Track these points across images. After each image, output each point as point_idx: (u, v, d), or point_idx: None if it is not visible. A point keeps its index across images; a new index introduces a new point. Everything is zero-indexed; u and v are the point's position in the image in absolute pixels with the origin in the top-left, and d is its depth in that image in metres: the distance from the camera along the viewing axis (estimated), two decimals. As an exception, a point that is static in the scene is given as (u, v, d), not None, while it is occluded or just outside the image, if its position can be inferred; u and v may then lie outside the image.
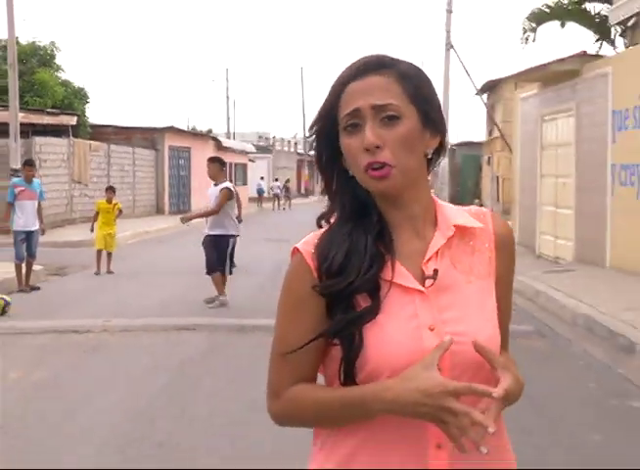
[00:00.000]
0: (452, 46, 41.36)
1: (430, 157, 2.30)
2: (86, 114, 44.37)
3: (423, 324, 2.15)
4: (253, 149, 71.23)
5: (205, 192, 42.68)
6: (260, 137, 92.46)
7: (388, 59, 2.25)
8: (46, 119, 37.63)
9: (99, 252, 20.41)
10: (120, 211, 21.55)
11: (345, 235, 2.21)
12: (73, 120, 38.94)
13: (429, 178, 2.39)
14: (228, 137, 73.17)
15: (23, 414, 8.75)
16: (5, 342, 12.40)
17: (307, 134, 2.33)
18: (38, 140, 34.30)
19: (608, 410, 8.49)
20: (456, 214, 2.31)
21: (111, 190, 22.14)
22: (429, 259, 2.22)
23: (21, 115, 31.21)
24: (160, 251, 27.71)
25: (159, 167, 48.27)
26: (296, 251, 2.28)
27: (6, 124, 30.56)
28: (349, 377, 2.16)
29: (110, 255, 20.56)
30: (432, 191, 2.37)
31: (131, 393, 9.61)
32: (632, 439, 7.78)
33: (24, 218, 17.86)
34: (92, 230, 20.78)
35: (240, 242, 17.50)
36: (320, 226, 2.35)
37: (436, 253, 2.23)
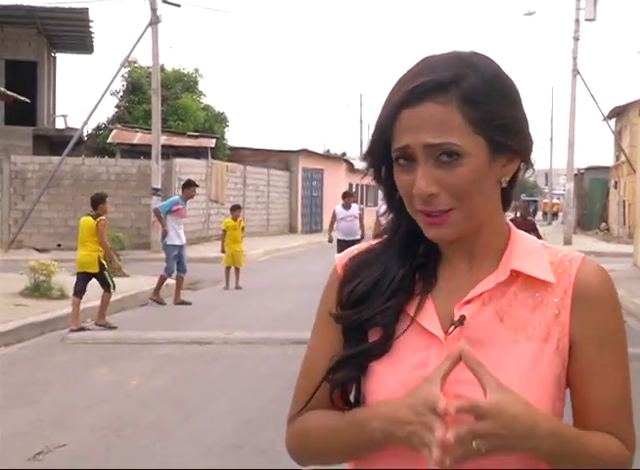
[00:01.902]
0: (579, 72, 40.90)
1: (506, 184, 1.79)
2: (225, 136, 44.96)
3: None
4: (384, 171, 71.29)
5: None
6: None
7: (451, 76, 1.67)
8: (187, 142, 38.46)
9: (227, 268, 20.63)
10: (243, 228, 21.70)
11: (382, 261, 1.84)
12: (212, 143, 39.55)
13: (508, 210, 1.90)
14: (360, 158, 73.27)
15: (139, 419, 8.91)
16: (132, 351, 12.70)
17: (364, 158, 1.91)
18: (178, 161, 34.84)
19: None
20: (527, 257, 1.77)
21: (236, 208, 22.23)
22: (467, 303, 1.74)
23: (163, 137, 31.95)
24: (290, 267, 27.84)
25: (292, 188, 48.50)
26: (335, 262, 1.96)
27: (149, 146, 31.24)
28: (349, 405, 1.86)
29: (237, 270, 20.69)
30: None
31: (243, 402, 9.70)
32: None
33: (179, 234, 18.29)
34: (223, 250, 20.93)
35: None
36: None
37: (480, 297, 1.74)
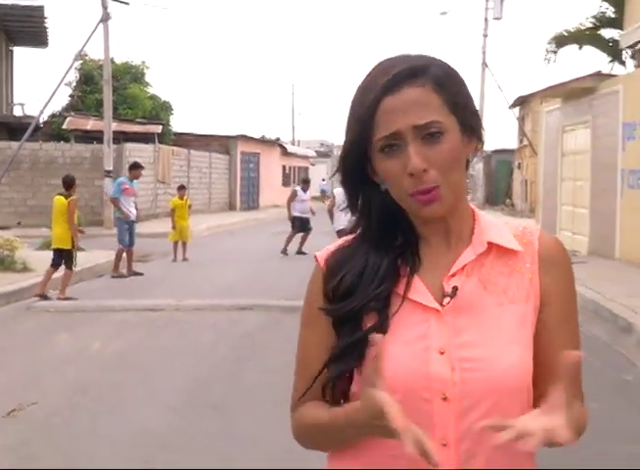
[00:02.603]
0: (487, 65, 41.33)
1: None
2: (170, 123, 44.58)
3: (433, 346, 1.68)
4: (314, 154, 71.38)
5: (271, 191, 42.03)
6: (322, 144, 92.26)
7: (420, 64, 1.71)
8: (135, 128, 38.14)
9: (175, 242, 20.69)
10: (190, 206, 21.63)
11: (361, 255, 1.78)
12: (159, 129, 39.24)
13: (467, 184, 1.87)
14: (293, 144, 73.24)
15: (101, 380, 8.90)
16: (91, 318, 12.71)
17: (341, 153, 1.82)
18: (128, 146, 34.56)
19: (606, 382, 8.46)
20: (495, 231, 1.80)
21: (182, 188, 22.37)
22: (452, 276, 1.74)
23: (114, 124, 31.73)
24: (231, 242, 27.82)
25: (232, 170, 48.36)
26: (315, 259, 1.87)
27: (101, 132, 31.06)
28: (344, 395, 1.80)
29: (185, 244, 20.70)
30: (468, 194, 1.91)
31: (194, 362, 9.72)
32: (624, 406, 7.90)
33: (130, 210, 18.31)
34: (174, 227, 20.84)
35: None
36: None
37: (463, 269, 1.75)
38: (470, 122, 1.74)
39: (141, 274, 17.78)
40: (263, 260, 20.76)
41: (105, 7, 30.50)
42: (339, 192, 18.06)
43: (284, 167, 58.99)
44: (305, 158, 66.66)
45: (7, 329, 11.81)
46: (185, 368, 9.39)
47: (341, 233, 18.45)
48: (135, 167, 19.48)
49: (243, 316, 12.67)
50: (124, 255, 17.91)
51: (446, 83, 1.71)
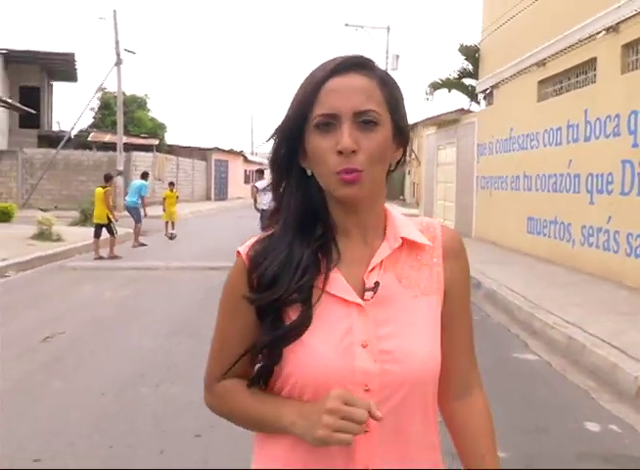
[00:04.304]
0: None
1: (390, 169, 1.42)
2: (165, 138, 44.19)
3: (356, 340, 1.31)
4: (266, 161, 70.40)
5: (236, 187, 41.22)
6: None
7: (370, 61, 1.36)
8: (139, 141, 37.73)
9: (166, 222, 20.49)
10: (177, 197, 21.38)
11: (285, 244, 1.36)
12: (156, 142, 39.05)
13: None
14: (252, 154, 72.76)
15: (113, 315, 8.90)
16: (109, 274, 12.59)
17: (274, 132, 1.39)
18: (134, 154, 34.36)
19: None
20: (405, 227, 1.42)
21: (171, 184, 22.10)
22: (371, 271, 1.36)
23: (124, 138, 31.27)
24: (207, 222, 27.69)
25: (208, 172, 47.97)
26: (237, 254, 1.41)
27: (115, 143, 30.73)
28: (267, 385, 1.40)
29: (173, 223, 20.54)
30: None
31: (179, 304, 9.71)
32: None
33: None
34: (164, 210, 20.73)
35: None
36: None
37: (380, 264, 1.37)
38: (402, 130, 1.37)
39: (146, 245, 17.60)
40: (229, 234, 20.70)
41: (118, 54, 30.05)
42: (262, 184, 17.14)
43: (245, 171, 58.68)
44: (260, 164, 66.22)
45: (45, 281, 11.68)
46: (171, 308, 9.38)
47: (264, 212, 16.15)
48: (147, 174, 20.20)
49: (213, 274, 12.54)
50: (133, 230, 17.86)
51: (389, 84, 1.36)
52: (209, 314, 6.94)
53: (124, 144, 31.10)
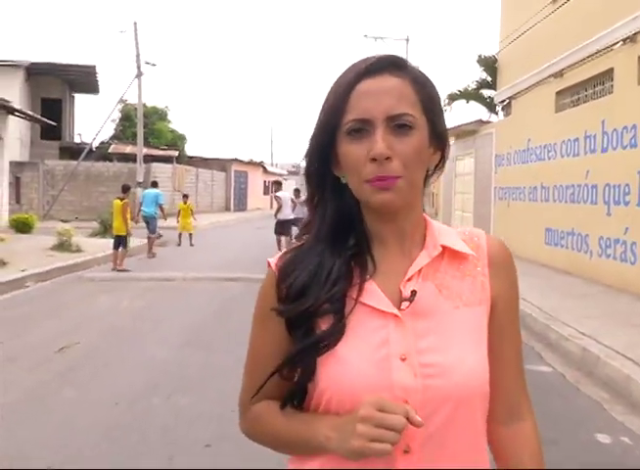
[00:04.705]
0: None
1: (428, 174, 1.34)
2: (185, 149, 44.51)
3: (394, 353, 1.21)
4: (286, 172, 71.29)
5: (255, 198, 41.33)
6: (293, 166, 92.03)
7: (403, 60, 1.27)
8: (159, 152, 38.09)
9: (180, 233, 21.02)
10: (192, 210, 21.65)
11: (315, 254, 1.29)
12: (176, 153, 39.43)
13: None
14: (271, 165, 73.04)
15: (128, 326, 8.96)
16: (125, 285, 12.67)
17: (309, 141, 1.31)
18: (154, 165, 34.62)
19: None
20: (446, 236, 1.33)
21: (185, 196, 22.55)
22: (409, 280, 1.27)
23: (144, 149, 31.58)
24: (226, 232, 27.78)
25: (227, 183, 48.19)
26: (268, 265, 1.35)
27: (135, 155, 31.00)
28: (302, 404, 1.31)
29: (190, 235, 20.79)
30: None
31: (194, 315, 9.75)
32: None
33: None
34: (178, 222, 21.19)
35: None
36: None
37: (419, 273, 1.28)
38: (439, 133, 1.29)
39: (154, 256, 17.61)
40: (247, 246, 20.81)
41: (138, 67, 30.43)
42: (284, 195, 18.15)
43: (264, 182, 58.88)
44: (280, 175, 66.53)
45: (63, 291, 11.79)
46: (186, 319, 9.42)
47: (280, 222, 17.73)
48: (157, 183, 20.17)
49: (229, 285, 12.67)
50: (148, 240, 17.99)
51: (424, 85, 1.27)
52: (223, 326, 7.11)
53: (144, 155, 31.44)
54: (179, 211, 21.44)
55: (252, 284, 12.79)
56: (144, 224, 18.33)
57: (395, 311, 1.23)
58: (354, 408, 1.16)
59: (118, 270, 14.48)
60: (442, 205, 26.97)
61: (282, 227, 17.67)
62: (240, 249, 19.58)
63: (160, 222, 18.55)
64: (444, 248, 1.30)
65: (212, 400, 5.82)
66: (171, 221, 22.02)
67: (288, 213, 17.84)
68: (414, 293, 1.25)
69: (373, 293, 1.26)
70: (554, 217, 14.61)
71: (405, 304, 1.24)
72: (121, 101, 36.65)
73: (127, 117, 41.06)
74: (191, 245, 20.65)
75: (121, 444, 4.78)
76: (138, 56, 30.36)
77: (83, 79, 38.20)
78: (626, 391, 6.06)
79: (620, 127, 11.65)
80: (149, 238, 17.86)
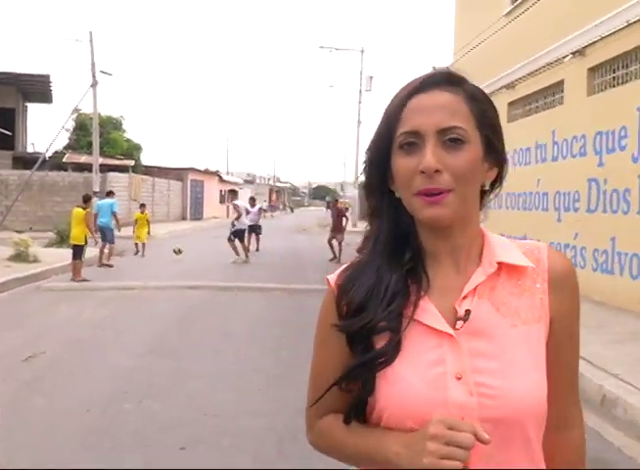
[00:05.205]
0: (361, 122, 41.75)
1: (485, 189, 1.33)
2: (140, 158, 44.16)
3: (449, 372, 1.21)
4: (242, 181, 71.14)
5: (211, 207, 40.90)
6: (248, 174, 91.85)
7: (457, 76, 1.29)
8: (115, 162, 37.73)
9: (136, 243, 20.92)
10: (147, 219, 21.55)
11: (373, 270, 1.30)
12: (132, 163, 38.98)
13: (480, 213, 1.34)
14: (227, 174, 72.83)
15: (92, 335, 8.93)
16: (85, 294, 12.60)
17: (365, 156, 1.34)
18: (110, 174, 34.19)
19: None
20: (504, 250, 1.32)
21: (142, 206, 22.51)
22: (464, 298, 1.27)
23: (100, 159, 31.22)
24: (183, 242, 27.43)
25: (184, 192, 47.89)
26: (327, 282, 1.37)
27: (91, 164, 30.72)
28: (362, 419, 1.32)
29: (144, 244, 20.80)
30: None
31: (156, 323, 9.78)
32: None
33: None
34: (134, 232, 21.16)
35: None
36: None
37: (474, 291, 1.27)
38: (495, 148, 1.28)
39: (111, 266, 17.38)
40: (205, 255, 20.82)
41: (94, 76, 30.10)
42: (242, 204, 20.34)
43: (220, 191, 58.72)
44: (235, 184, 66.36)
45: (23, 302, 11.68)
46: (149, 327, 9.45)
47: (249, 227, 20.48)
48: (112, 193, 19.98)
49: (191, 293, 12.71)
50: (106, 249, 17.83)
51: (479, 99, 1.27)
52: (187, 333, 7.27)
53: (100, 165, 31.11)
54: (136, 221, 21.31)
55: (213, 292, 12.92)
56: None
57: (450, 331, 1.23)
58: (415, 425, 1.19)
59: (78, 280, 14.36)
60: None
61: (238, 234, 19.31)
62: (197, 258, 19.53)
63: (115, 232, 18.38)
64: (501, 264, 1.29)
65: (183, 405, 5.91)
66: (127, 231, 21.93)
67: (245, 222, 19.80)
68: (468, 312, 1.24)
69: (428, 311, 1.26)
70: (507, 224, 14.96)
71: (460, 323, 1.24)
72: (76, 110, 36.24)
73: (81, 127, 40.58)
74: (142, 256, 20.49)
75: (98, 449, 4.85)
76: (93, 65, 30.05)
77: (37, 89, 37.73)
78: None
79: (570, 137, 12.06)
80: (102, 248, 17.65)
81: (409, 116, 1.23)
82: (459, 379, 1.20)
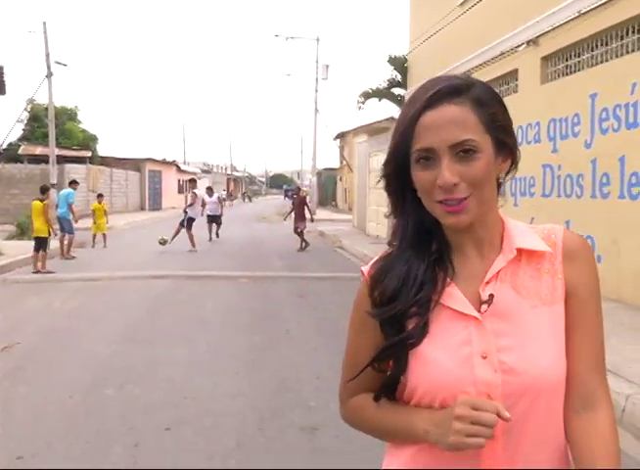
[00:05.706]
0: (318, 111, 41.81)
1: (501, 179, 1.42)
2: (97, 149, 43.72)
3: (475, 352, 1.32)
4: (199, 171, 70.74)
5: (170, 197, 40.74)
6: (205, 164, 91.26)
7: (462, 83, 1.34)
8: (72, 153, 37.23)
9: (94, 234, 20.64)
10: (105, 209, 21.15)
11: (403, 261, 1.40)
12: (89, 154, 38.58)
13: (498, 199, 1.43)
14: (184, 164, 72.36)
15: (65, 325, 9.01)
16: (53, 286, 12.58)
17: (382, 171, 1.41)
18: (67, 166, 33.78)
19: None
20: (523, 236, 1.40)
21: (100, 196, 21.98)
22: (487, 283, 1.36)
23: (56, 150, 30.80)
24: (143, 232, 27.49)
25: (142, 182, 47.54)
26: (362, 273, 1.47)
27: (47, 156, 30.34)
28: (394, 396, 1.44)
29: (104, 235, 20.49)
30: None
31: (127, 312, 9.89)
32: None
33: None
34: (94, 222, 20.76)
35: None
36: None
37: (496, 276, 1.37)
38: (506, 142, 1.36)
39: (74, 258, 17.27)
40: (166, 246, 20.82)
41: (49, 67, 29.70)
42: (200, 193, 21.21)
43: (179, 180, 58.40)
44: (193, 173, 65.96)
45: (-10, 295, 11.67)
46: (122, 316, 9.54)
47: (209, 217, 22.36)
48: (75, 182, 19.30)
49: (157, 282, 12.79)
50: (65, 241, 17.62)
51: (485, 103, 1.33)
52: (159, 321, 7.54)
53: (57, 156, 30.73)
54: (93, 212, 21.02)
55: (179, 281, 13.03)
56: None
57: (476, 314, 1.33)
58: (445, 403, 1.31)
59: (42, 272, 14.30)
60: (357, 200, 27.53)
61: (189, 222, 19.89)
62: (158, 248, 19.50)
63: (73, 223, 18.11)
64: (520, 250, 1.38)
65: (163, 390, 6.08)
66: (87, 222, 21.80)
67: (198, 211, 20.69)
68: (492, 296, 1.34)
69: (455, 296, 1.36)
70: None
71: (484, 307, 1.33)
72: (30, 102, 35.75)
73: (36, 118, 40.00)
74: (104, 246, 20.26)
75: (86, 432, 5.00)
76: (48, 56, 29.63)
77: (-12, 79, 37.07)
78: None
79: (525, 124, 12.42)
80: (61, 239, 17.49)
81: (421, 133, 1.30)
82: (484, 358, 1.31)
